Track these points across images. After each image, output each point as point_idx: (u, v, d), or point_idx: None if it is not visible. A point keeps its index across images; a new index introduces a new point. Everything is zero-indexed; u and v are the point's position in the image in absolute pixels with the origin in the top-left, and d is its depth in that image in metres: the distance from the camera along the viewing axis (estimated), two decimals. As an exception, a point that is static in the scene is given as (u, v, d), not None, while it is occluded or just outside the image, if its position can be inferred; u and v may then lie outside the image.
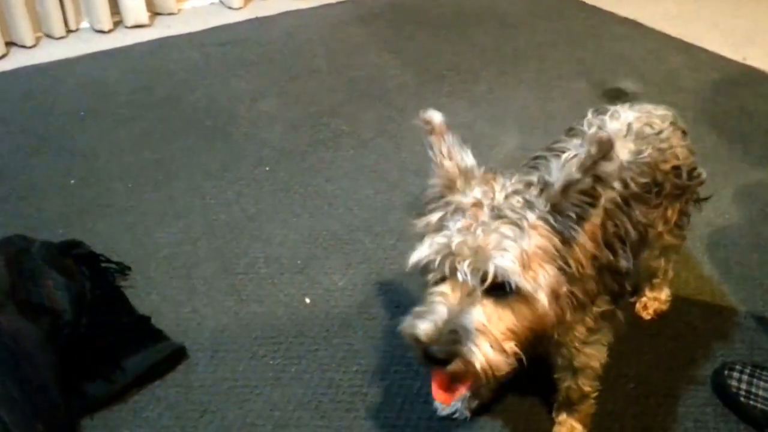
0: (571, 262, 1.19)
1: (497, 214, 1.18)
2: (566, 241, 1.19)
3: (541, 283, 1.16)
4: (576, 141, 1.50)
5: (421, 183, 2.47)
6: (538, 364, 1.72)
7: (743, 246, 2.22)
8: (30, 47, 3.51)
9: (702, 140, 2.74)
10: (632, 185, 1.44)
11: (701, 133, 2.78)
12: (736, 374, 1.72)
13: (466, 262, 1.15)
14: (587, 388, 1.57)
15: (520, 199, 1.20)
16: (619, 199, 1.38)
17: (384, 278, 2.11)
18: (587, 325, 1.38)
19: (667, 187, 1.55)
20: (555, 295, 1.19)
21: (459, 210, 1.21)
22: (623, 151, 1.47)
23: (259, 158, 2.68)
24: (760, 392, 1.68)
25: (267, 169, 2.62)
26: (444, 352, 1.16)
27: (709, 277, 2.10)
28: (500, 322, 1.18)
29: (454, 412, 1.70)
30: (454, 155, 1.30)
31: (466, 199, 1.22)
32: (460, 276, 1.17)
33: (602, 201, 1.20)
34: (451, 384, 1.24)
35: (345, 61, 3.41)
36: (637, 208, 1.44)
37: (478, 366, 1.16)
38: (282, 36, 3.69)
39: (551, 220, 1.18)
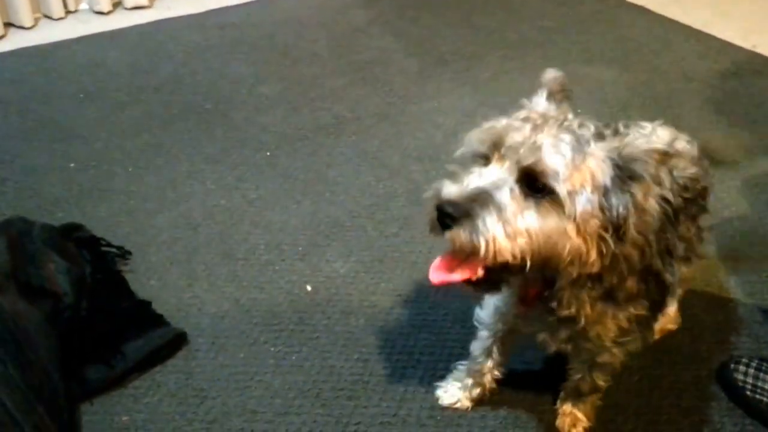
0: (614, 213, 1.16)
1: (564, 127, 1.18)
2: (618, 189, 1.16)
3: (579, 200, 1.13)
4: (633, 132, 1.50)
5: (424, 170, 2.51)
6: (540, 356, 1.76)
7: (751, 238, 2.24)
8: (29, 28, 3.52)
9: (709, 129, 2.75)
10: (679, 200, 1.41)
11: (708, 122, 2.79)
12: (742, 368, 1.73)
13: (517, 151, 1.15)
14: (601, 382, 1.60)
15: (593, 129, 1.19)
16: (670, 212, 1.35)
17: (386, 266, 2.13)
18: (620, 324, 1.35)
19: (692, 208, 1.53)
20: (585, 225, 1.14)
21: (529, 119, 1.21)
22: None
23: (260, 143, 2.69)
24: (767, 386, 1.70)
25: (267, 154, 2.64)
26: (457, 210, 1.15)
27: (716, 270, 2.12)
28: (522, 216, 1.15)
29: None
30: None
31: (538, 107, 1.25)
32: (505, 163, 1.17)
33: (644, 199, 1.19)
34: (452, 264, 1.22)
35: (347, 45, 3.41)
36: (683, 223, 1.44)
37: (482, 239, 1.13)
38: (283, 19, 3.69)
39: (613, 160, 1.16)
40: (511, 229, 1.14)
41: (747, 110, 2.89)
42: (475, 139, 1.21)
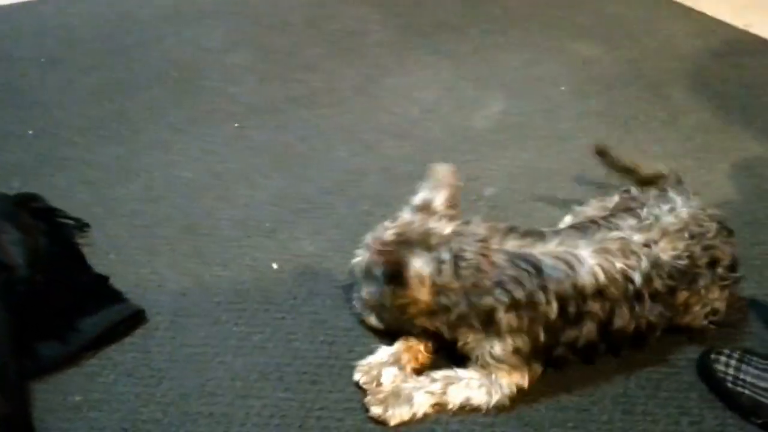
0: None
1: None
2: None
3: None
4: (631, 221, 1.76)
5: (399, 146, 2.52)
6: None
7: (737, 223, 2.21)
8: (-10, -13, 3.48)
9: (698, 110, 2.77)
10: (656, 283, 1.70)
11: (697, 103, 2.81)
12: (723, 359, 1.74)
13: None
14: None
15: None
16: (630, 290, 1.67)
17: (356, 246, 2.11)
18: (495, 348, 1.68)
19: (701, 281, 1.77)
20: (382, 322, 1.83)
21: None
22: (666, 249, 1.72)
23: (229, 114, 2.69)
24: (749, 378, 1.70)
25: (236, 125, 2.64)
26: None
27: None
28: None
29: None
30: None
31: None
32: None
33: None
34: None
35: (322, 14, 3.40)
36: (652, 305, 1.71)
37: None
38: (257, -16, 3.67)
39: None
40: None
41: (738, 92, 2.91)
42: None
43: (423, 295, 1.64)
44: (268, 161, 2.47)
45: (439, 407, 1.70)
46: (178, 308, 1.93)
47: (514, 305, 1.62)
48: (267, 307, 1.95)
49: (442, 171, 1.77)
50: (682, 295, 1.76)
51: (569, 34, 3.28)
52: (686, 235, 1.75)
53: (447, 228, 1.67)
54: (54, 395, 1.70)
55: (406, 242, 1.66)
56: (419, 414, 1.68)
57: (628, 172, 2.09)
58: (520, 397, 1.73)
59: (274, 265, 2.07)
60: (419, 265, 1.63)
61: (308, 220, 2.23)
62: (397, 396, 1.68)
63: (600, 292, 1.65)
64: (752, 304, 1.98)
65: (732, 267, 1.84)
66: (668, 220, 1.77)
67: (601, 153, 2.14)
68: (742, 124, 2.72)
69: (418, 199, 1.75)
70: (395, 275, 1.64)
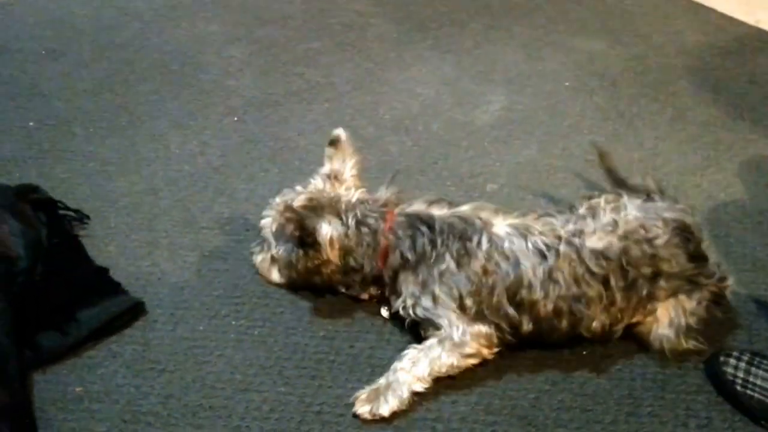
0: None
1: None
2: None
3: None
4: (568, 216, 1.83)
5: (399, 141, 2.54)
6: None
7: (745, 223, 2.25)
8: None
9: (706, 107, 2.77)
10: (577, 268, 1.74)
11: (705, 100, 2.80)
12: (732, 361, 1.73)
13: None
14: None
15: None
16: (542, 268, 1.74)
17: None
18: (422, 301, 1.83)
19: (642, 288, 1.78)
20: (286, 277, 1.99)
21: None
22: (598, 241, 1.76)
23: (228, 107, 2.71)
24: (758, 381, 1.69)
25: (235, 119, 2.66)
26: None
27: (707, 256, 2.12)
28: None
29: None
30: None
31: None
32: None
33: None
34: None
35: (322, 8, 3.40)
36: (578, 289, 1.75)
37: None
38: (255, -23, 3.68)
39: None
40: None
41: (747, 89, 2.90)
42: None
43: (333, 256, 1.83)
44: (267, 155, 2.49)
45: (421, 381, 1.75)
46: (178, 301, 1.96)
47: (410, 263, 1.81)
48: (266, 301, 1.98)
49: (344, 138, 1.96)
50: (625, 297, 1.76)
51: (573, 29, 3.29)
52: (622, 233, 1.76)
53: (354, 196, 1.88)
54: (54, 386, 1.73)
55: (317, 207, 1.84)
56: (406, 396, 1.73)
57: (618, 182, 2.09)
58: (521, 393, 1.76)
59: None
60: (328, 229, 1.81)
61: (308, 214, 2.25)
62: (378, 391, 1.73)
63: (505, 256, 1.75)
64: (762, 306, 1.98)
65: (686, 276, 1.80)
66: (608, 218, 1.79)
67: (602, 157, 2.17)
68: (751, 121, 2.71)
69: (327, 168, 1.95)
70: (307, 238, 1.81)
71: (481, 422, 1.70)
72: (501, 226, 1.79)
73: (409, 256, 1.80)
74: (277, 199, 1.94)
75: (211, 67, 2.94)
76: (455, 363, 1.76)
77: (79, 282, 1.92)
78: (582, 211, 1.84)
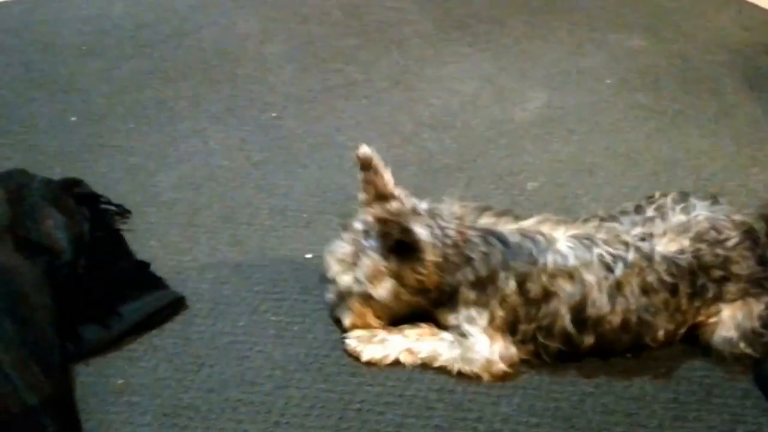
0: (408, 277, 1.71)
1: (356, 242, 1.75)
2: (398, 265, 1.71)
3: (379, 294, 1.75)
4: (635, 217, 1.78)
5: (437, 138, 2.54)
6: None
7: None
8: (31, -25, 3.54)
9: (750, 106, 2.74)
10: (648, 277, 1.68)
11: (749, 98, 2.77)
12: None
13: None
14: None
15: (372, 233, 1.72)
16: (609, 280, 1.68)
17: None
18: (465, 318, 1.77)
19: (709, 291, 1.74)
20: (392, 294, 1.74)
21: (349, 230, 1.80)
22: (666, 244, 1.70)
23: (266, 103, 2.73)
24: None
25: (274, 115, 2.68)
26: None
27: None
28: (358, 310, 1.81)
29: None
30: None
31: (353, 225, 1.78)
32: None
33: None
34: None
35: (360, 3, 3.42)
36: (642, 300, 1.70)
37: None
38: (294, -27, 3.70)
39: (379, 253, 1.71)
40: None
41: (793, 89, 2.86)
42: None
43: (432, 264, 1.69)
44: (306, 151, 2.50)
45: (411, 356, 1.78)
46: (218, 296, 1.97)
47: (478, 281, 1.71)
48: (306, 297, 1.98)
49: (371, 154, 1.75)
50: (690, 302, 1.73)
51: (615, 25, 3.27)
52: (694, 235, 1.71)
53: (423, 206, 1.75)
54: (96, 378, 1.74)
55: (402, 214, 1.72)
56: (391, 357, 1.78)
57: None
58: (565, 395, 1.75)
59: (308, 255, 2.10)
60: (421, 230, 1.68)
61: (346, 210, 2.25)
62: (373, 335, 1.79)
63: (570, 275, 1.68)
64: None
65: (754, 279, 1.76)
66: (678, 219, 1.75)
67: None
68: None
69: (366, 195, 1.78)
70: (404, 243, 1.67)
71: (524, 424, 1.68)
72: (563, 241, 1.71)
73: (483, 272, 1.70)
74: (331, 249, 1.82)
75: (249, 63, 2.96)
76: (465, 370, 1.76)
77: (121, 276, 1.94)
78: (650, 212, 1.78)
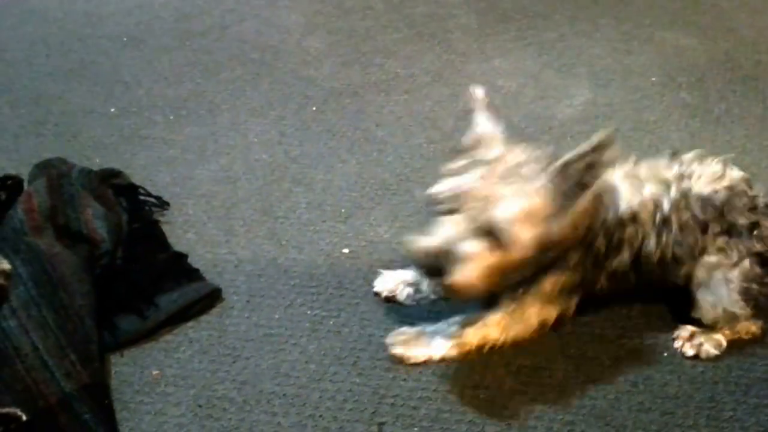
0: (556, 230, 1.54)
1: (509, 174, 1.52)
2: (558, 212, 1.52)
3: (522, 240, 1.51)
4: (666, 160, 1.82)
5: (478, 134, 2.54)
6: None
7: None
8: (73, -35, 3.60)
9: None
10: (684, 215, 1.73)
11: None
12: None
13: (473, 206, 1.50)
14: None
15: (533, 167, 1.53)
16: (658, 217, 1.72)
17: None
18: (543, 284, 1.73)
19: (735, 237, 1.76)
20: (529, 250, 1.54)
21: (480, 163, 1.55)
22: (701, 184, 1.75)
23: (306, 97, 2.75)
24: None
25: (314, 109, 2.70)
26: (434, 267, 1.54)
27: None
28: (482, 259, 1.51)
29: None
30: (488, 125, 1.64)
31: (488, 156, 1.55)
32: (465, 215, 1.51)
33: (593, 187, 1.53)
34: None
35: (403, -3, 3.43)
36: (679, 236, 1.74)
37: (454, 284, 1.52)
38: (336, -33, 3.72)
39: (550, 190, 1.52)
40: (475, 274, 1.52)
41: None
42: (441, 192, 1.55)
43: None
44: (345, 146, 2.52)
45: (461, 349, 1.80)
46: (254, 289, 2.00)
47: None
48: (342, 291, 2.00)
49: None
50: (717, 239, 1.75)
51: (661, 23, 3.25)
52: (727, 183, 1.76)
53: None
54: (132, 368, 1.78)
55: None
56: (436, 357, 1.80)
57: None
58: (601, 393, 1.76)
59: (345, 250, 2.12)
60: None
61: (385, 206, 2.27)
62: (417, 338, 1.80)
63: (633, 218, 1.71)
64: None
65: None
66: (714, 168, 1.79)
67: None
68: None
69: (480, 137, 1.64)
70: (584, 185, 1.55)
71: (559, 421, 1.70)
72: (619, 183, 1.72)
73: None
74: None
75: (290, 56, 2.98)
76: (497, 341, 1.80)
77: (159, 267, 1.97)
78: (690, 155, 1.82)
